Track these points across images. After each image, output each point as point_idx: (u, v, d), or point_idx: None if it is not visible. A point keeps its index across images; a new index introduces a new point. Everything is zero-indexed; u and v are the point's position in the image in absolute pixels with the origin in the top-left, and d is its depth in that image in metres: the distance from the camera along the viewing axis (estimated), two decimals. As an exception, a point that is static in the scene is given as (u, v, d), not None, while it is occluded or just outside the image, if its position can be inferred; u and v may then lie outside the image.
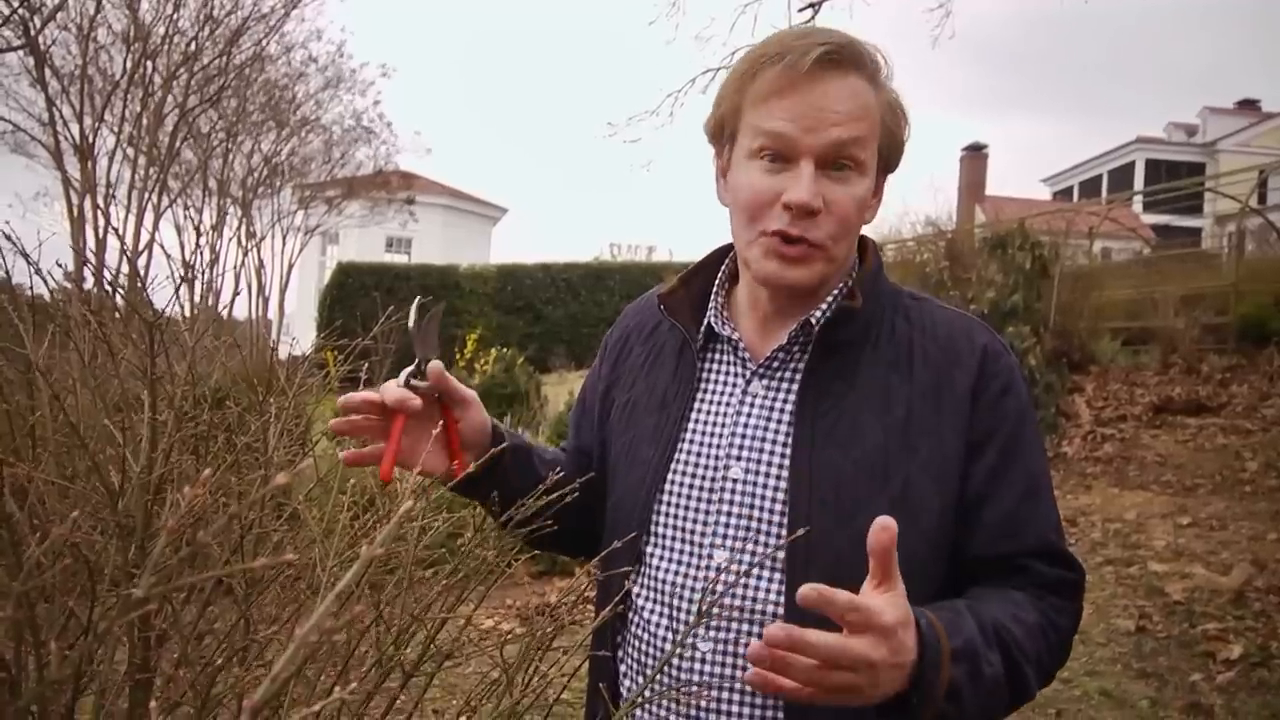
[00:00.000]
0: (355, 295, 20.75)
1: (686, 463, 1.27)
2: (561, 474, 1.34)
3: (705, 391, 1.31)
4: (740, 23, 9.57)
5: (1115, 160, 42.31)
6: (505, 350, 12.14)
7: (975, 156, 37.16)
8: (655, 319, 1.41)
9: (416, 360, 1.26)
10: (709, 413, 1.29)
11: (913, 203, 27.14)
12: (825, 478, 1.18)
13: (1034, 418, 1.25)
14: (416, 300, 1.29)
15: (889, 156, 1.25)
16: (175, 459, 1.24)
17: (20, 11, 12.42)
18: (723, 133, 1.26)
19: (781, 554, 1.17)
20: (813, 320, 1.23)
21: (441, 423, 1.27)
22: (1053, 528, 1.22)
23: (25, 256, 1.48)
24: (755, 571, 1.19)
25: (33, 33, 13.14)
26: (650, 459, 1.29)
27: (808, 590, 0.90)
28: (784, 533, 1.17)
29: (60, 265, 1.54)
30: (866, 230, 1.29)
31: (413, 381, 1.25)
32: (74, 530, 1.17)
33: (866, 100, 1.18)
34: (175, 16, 15.35)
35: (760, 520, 1.20)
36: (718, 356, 1.32)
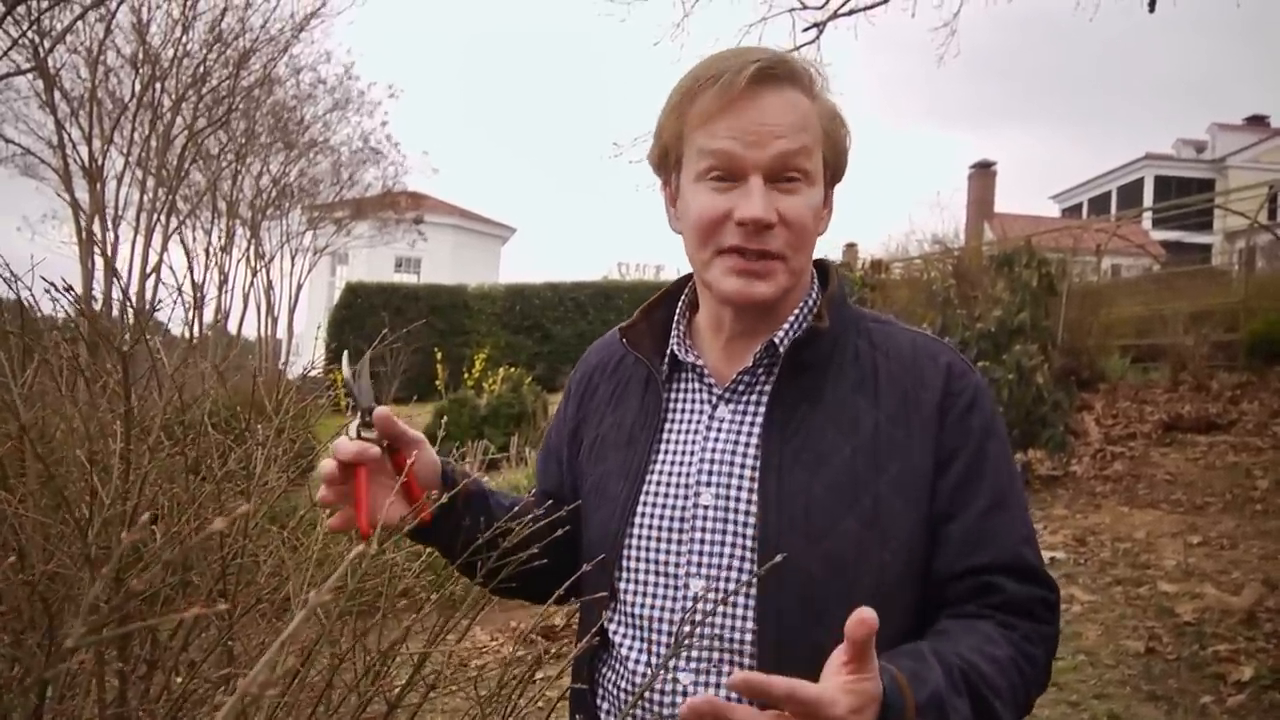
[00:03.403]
0: (364, 315, 20.82)
1: (656, 494, 1.25)
2: (531, 514, 1.31)
3: (672, 421, 1.29)
4: (745, 44, 9.60)
5: (1124, 177, 42.31)
6: (513, 370, 12.17)
7: (983, 174, 37.18)
8: (619, 354, 1.40)
9: (359, 412, 1.23)
10: (677, 441, 1.27)
11: (919, 221, 27.36)
12: (794, 500, 1.16)
13: (1002, 434, 1.24)
14: (345, 352, 1.27)
15: (835, 165, 1.24)
16: (153, 488, 1.22)
17: (30, 35, 12.55)
18: (667, 160, 1.26)
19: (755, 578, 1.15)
20: (776, 341, 1.23)
21: (399, 472, 1.24)
22: (1023, 540, 1.18)
23: (8, 282, 1.47)
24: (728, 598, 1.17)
25: (42, 56, 13.27)
26: (619, 494, 1.27)
27: (735, 679, 0.88)
28: (755, 556, 1.16)
29: (49, 290, 1.53)
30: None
31: (363, 434, 1.22)
32: (48, 562, 1.15)
33: (806, 111, 1.19)
34: (184, 39, 15.53)
35: (732, 545, 1.19)
36: (683, 385, 1.31)
